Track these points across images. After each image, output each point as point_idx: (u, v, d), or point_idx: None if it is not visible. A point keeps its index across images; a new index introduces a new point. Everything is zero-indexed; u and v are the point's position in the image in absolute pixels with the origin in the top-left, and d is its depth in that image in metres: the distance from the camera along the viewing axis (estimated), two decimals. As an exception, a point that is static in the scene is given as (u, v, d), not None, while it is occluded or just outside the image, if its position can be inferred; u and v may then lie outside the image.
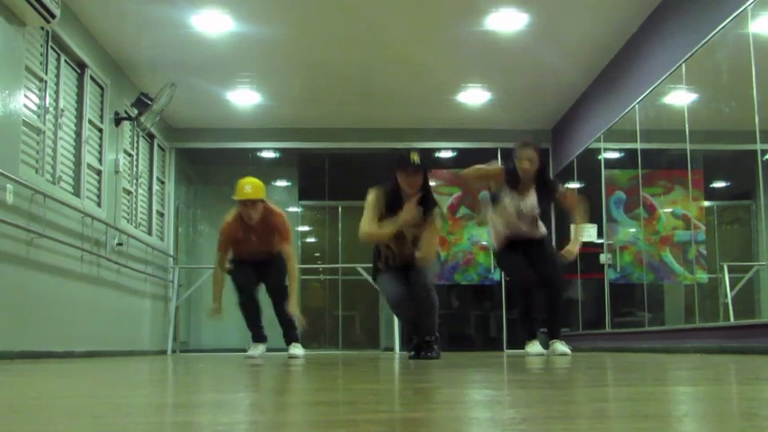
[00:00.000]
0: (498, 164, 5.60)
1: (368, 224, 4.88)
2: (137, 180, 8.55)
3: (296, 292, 5.62)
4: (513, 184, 5.39)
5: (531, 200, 5.39)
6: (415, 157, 4.77)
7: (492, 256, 6.01)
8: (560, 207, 5.49)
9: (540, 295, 5.58)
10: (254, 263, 5.61)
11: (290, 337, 5.74)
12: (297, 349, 5.67)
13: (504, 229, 5.49)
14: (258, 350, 5.74)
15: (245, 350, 6.00)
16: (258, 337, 5.77)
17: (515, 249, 5.46)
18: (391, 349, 9.06)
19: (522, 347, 5.77)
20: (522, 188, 5.39)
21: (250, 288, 5.63)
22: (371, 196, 4.95)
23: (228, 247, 5.62)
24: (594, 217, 8.40)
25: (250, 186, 5.41)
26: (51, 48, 6.35)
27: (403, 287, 5.01)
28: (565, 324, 6.73)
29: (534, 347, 5.53)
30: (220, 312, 5.68)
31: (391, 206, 4.84)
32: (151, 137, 9.12)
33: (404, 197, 4.83)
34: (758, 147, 5.10)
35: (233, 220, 5.54)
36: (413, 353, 5.23)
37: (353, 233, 5.38)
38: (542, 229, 5.52)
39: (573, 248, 5.52)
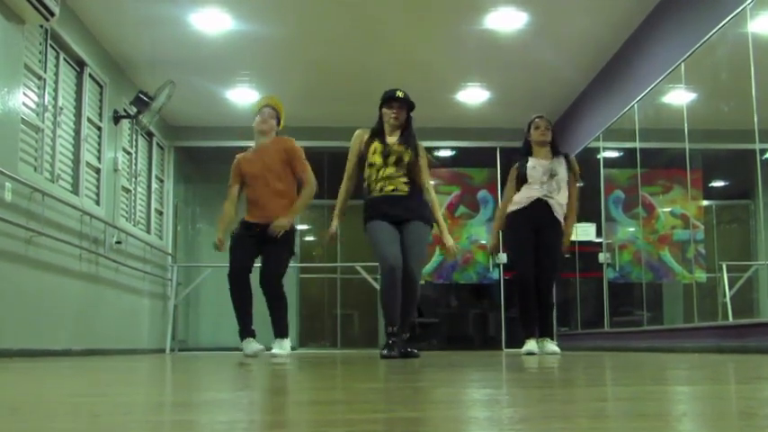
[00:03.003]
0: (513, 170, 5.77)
1: (344, 179, 5.06)
2: (135, 178, 8.55)
3: (299, 210, 5.46)
4: (527, 153, 5.68)
5: (550, 164, 5.59)
6: (401, 93, 4.94)
7: (500, 235, 5.97)
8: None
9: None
10: (260, 228, 5.31)
11: (277, 330, 5.40)
12: (279, 348, 5.33)
13: (523, 194, 5.57)
14: (251, 347, 5.51)
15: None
16: (246, 331, 5.47)
17: (527, 231, 5.50)
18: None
19: (522, 346, 5.78)
20: (536, 154, 5.65)
21: (243, 275, 5.38)
22: (352, 140, 5.06)
23: (238, 179, 5.41)
24: (593, 216, 8.41)
25: (269, 98, 5.61)
26: (50, 46, 6.34)
27: (398, 247, 4.79)
28: (563, 324, 6.75)
29: (529, 346, 5.55)
30: (222, 249, 5.43)
31: (373, 134, 4.98)
32: (150, 135, 9.12)
33: (386, 131, 4.94)
34: (757, 146, 5.10)
35: (244, 154, 5.52)
36: (385, 351, 4.73)
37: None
38: (563, 200, 5.57)
39: (566, 242, 5.65)
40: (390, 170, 4.90)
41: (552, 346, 5.58)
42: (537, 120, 5.75)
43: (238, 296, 5.34)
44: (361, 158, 5.03)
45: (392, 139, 4.96)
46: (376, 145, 4.95)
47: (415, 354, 4.82)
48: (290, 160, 5.38)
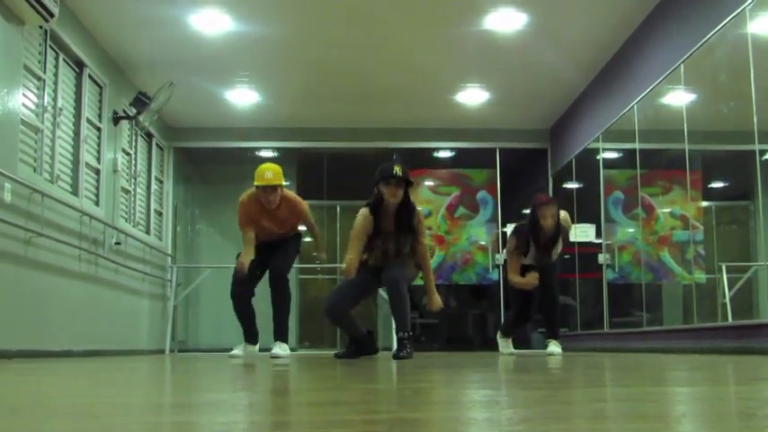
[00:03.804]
0: (513, 239, 5.93)
1: (348, 254, 4.98)
2: (135, 179, 8.54)
3: (320, 240, 6.05)
4: (535, 238, 5.77)
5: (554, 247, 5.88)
6: (398, 169, 4.87)
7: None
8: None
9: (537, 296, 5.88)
10: (266, 244, 5.65)
11: (278, 333, 5.65)
12: (280, 349, 5.54)
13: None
14: (240, 349, 5.72)
15: None
16: (250, 337, 5.76)
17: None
18: (389, 349, 9.06)
19: (520, 346, 5.97)
20: (543, 242, 5.78)
21: (246, 295, 5.67)
22: (359, 220, 5.01)
23: (249, 225, 5.58)
24: (593, 217, 8.41)
25: (271, 173, 5.48)
26: (50, 47, 6.34)
27: (347, 298, 5.08)
28: (563, 325, 6.81)
29: (507, 347, 6.17)
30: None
31: (376, 220, 4.96)
32: (149, 136, 9.12)
33: (386, 208, 4.93)
34: (756, 147, 5.10)
35: (249, 201, 5.57)
36: (341, 351, 5.32)
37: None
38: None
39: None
40: (384, 258, 5.04)
41: (555, 347, 5.65)
42: (542, 209, 5.70)
43: (243, 313, 5.76)
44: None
45: (389, 225, 4.98)
46: (376, 242, 5.00)
47: (403, 356, 4.85)
48: (298, 215, 5.73)
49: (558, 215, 5.74)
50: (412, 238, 5.01)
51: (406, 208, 4.96)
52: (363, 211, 5.01)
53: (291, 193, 5.82)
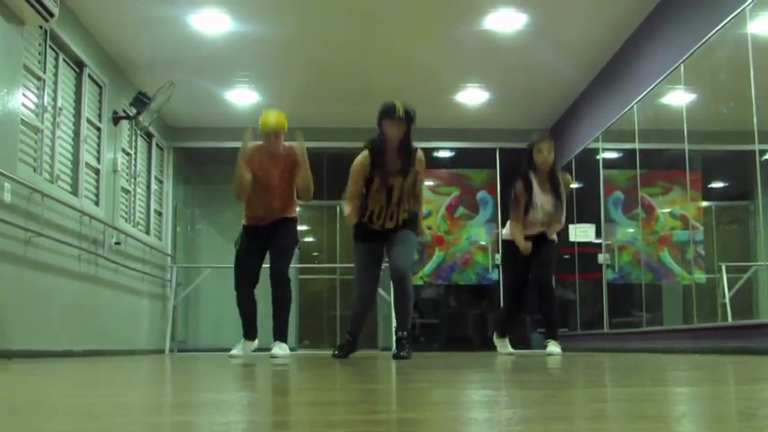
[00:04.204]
0: (517, 186, 5.84)
1: (347, 199, 4.99)
2: (135, 179, 8.54)
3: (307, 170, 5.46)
4: (534, 173, 5.75)
5: (549, 198, 5.74)
6: (400, 107, 4.87)
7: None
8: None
9: (533, 296, 5.88)
10: (265, 230, 5.47)
11: (278, 332, 5.52)
12: (279, 349, 5.43)
13: (525, 227, 5.79)
14: (239, 347, 5.66)
15: None
16: (249, 333, 5.66)
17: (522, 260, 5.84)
18: (389, 349, 9.07)
19: (519, 346, 5.98)
20: (540, 181, 5.73)
21: (250, 288, 5.56)
22: (357, 160, 5.00)
23: (248, 166, 5.36)
24: (593, 217, 8.41)
25: (274, 117, 5.45)
26: (50, 47, 6.34)
27: (374, 282, 5.17)
28: (563, 325, 6.80)
29: (505, 347, 6.08)
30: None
31: (375, 162, 4.92)
32: (149, 136, 9.12)
33: (389, 145, 4.90)
34: (756, 147, 5.11)
35: (254, 152, 5.43)
36: (336, 351, 5.35)
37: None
38: (558, 226, 5.85)
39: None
40: (393, 208, 4.99)
41: (554, 347, 5.65)
42: (539, 143, 5.72)
43: (246, 303, 5.60)
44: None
45: (393, 167, 4.94)
46: (377, 182, 4.94)
47: (403, 356, 4.85)
48: (294, 167, 5.48)
49: (555, 152, 5.75)
50: (413, 178, 4.96)
51: (407, 147, 4.92)
52: (363, 153, 5.00)
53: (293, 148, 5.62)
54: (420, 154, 5.02)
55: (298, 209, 5.80)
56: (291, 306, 5.63)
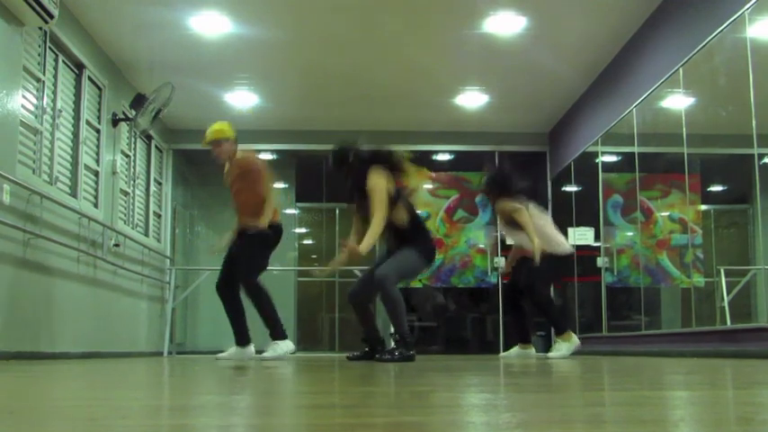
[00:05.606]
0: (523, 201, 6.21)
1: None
2: (134, 181, 8.54)
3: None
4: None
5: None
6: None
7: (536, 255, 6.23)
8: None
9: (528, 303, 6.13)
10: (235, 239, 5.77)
11: (270, 333, 5.61)
12: (270, 350, 5.53)
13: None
14: (227, 352, 5.69)
15: None
16: (238, 339, 5.69)
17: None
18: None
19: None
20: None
21: (219, 287, 5.72)
22: (383, 181, 5.16)
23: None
24: (592, 220, 8.41)
25: (208, 131, 5.69)
26: (49, 48, 6.34)
27: (360, 282, 5.40)
28: (562, 330, 6.78)
29: (514, 350, 6.30)
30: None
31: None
32: (149, 138, 9.11)
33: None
34: (755, 151, 5.11)
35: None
36: (354, 353, 5.54)
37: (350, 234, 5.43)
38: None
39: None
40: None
41: (557, 349, 5.70)
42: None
43: (226, 309, 5.74)
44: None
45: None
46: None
47: (384, 359, 4.88)
48: (249, 179, 5.70)
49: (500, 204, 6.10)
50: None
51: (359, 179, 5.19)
52: (382, 173, 5.15)
53: (248, 154, 5.80)
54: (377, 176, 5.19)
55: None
56: (269, 304, 5.58)
